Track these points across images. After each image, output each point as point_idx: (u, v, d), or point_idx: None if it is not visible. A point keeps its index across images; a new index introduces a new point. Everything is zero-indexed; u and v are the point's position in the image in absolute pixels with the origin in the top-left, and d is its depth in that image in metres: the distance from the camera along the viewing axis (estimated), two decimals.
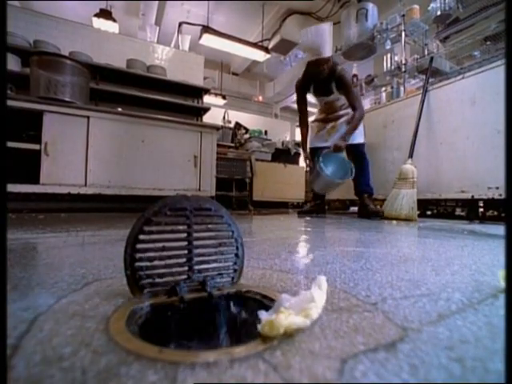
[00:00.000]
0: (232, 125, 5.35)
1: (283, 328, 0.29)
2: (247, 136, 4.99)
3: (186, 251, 0.41)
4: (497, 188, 1.90)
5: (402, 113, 2.62)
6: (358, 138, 2.51)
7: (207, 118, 3.93)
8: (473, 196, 2.04)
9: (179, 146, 2.96)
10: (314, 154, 2.52)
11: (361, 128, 2.48)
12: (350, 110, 2.45)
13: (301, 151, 2.79)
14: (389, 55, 3.39)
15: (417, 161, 2.41)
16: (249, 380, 0.22)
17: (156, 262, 0.40)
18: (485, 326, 0.32)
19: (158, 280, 0.40)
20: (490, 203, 2.19)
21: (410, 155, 2.34)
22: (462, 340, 0.29)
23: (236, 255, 0.46)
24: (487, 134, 1.97)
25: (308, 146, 2.67)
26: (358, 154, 2.49)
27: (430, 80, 2.53)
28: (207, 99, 4.61)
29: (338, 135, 2.42)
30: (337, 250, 0.87)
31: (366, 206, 2.39)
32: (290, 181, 4.69)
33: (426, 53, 3.13)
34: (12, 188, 2.20)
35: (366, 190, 2.48)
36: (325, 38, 2.14)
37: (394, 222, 2.00)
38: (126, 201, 2.78)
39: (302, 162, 5.32)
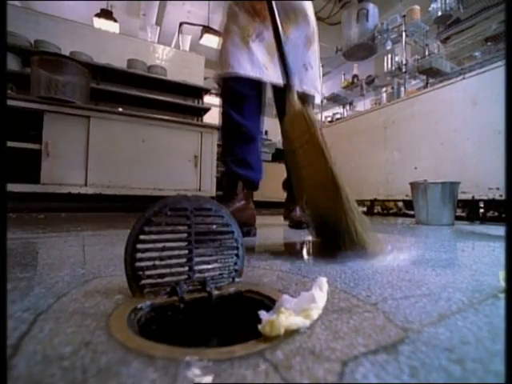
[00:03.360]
0: None
1: (284, 328, 0.29)
2: None
3: (186, 251, 0.41)
4: (497, 189, 1.89)
5: (402, 113, 2.62)
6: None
7: (207, 118, 3.93)
8: (473, 197, 2.03)
9: (179, 146, 2.96)
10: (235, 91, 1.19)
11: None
12: None
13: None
14: (389, 55, 3.40)
15: (418, 161, 2.41)
16: (249, 379, 0.22)
17: (156, 262, 0.39)
18: (485, 326, 0.32)
19: (158, 280, 0.40)
20: (490, 204, 2.19)
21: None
22: (463, 341, 0.29)
23: (236, 255, 0.46)
24: (488, 135, 1.97)
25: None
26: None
27: (431, 80, 2.53)
28: (208, 99, 4.60)
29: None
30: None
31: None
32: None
33: (426, 53, 3.13)
34: (12, 188, 2.20)
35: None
36: None
37: (394, 221, 2.00)
38: (126, 201, 2.78)
39: None
